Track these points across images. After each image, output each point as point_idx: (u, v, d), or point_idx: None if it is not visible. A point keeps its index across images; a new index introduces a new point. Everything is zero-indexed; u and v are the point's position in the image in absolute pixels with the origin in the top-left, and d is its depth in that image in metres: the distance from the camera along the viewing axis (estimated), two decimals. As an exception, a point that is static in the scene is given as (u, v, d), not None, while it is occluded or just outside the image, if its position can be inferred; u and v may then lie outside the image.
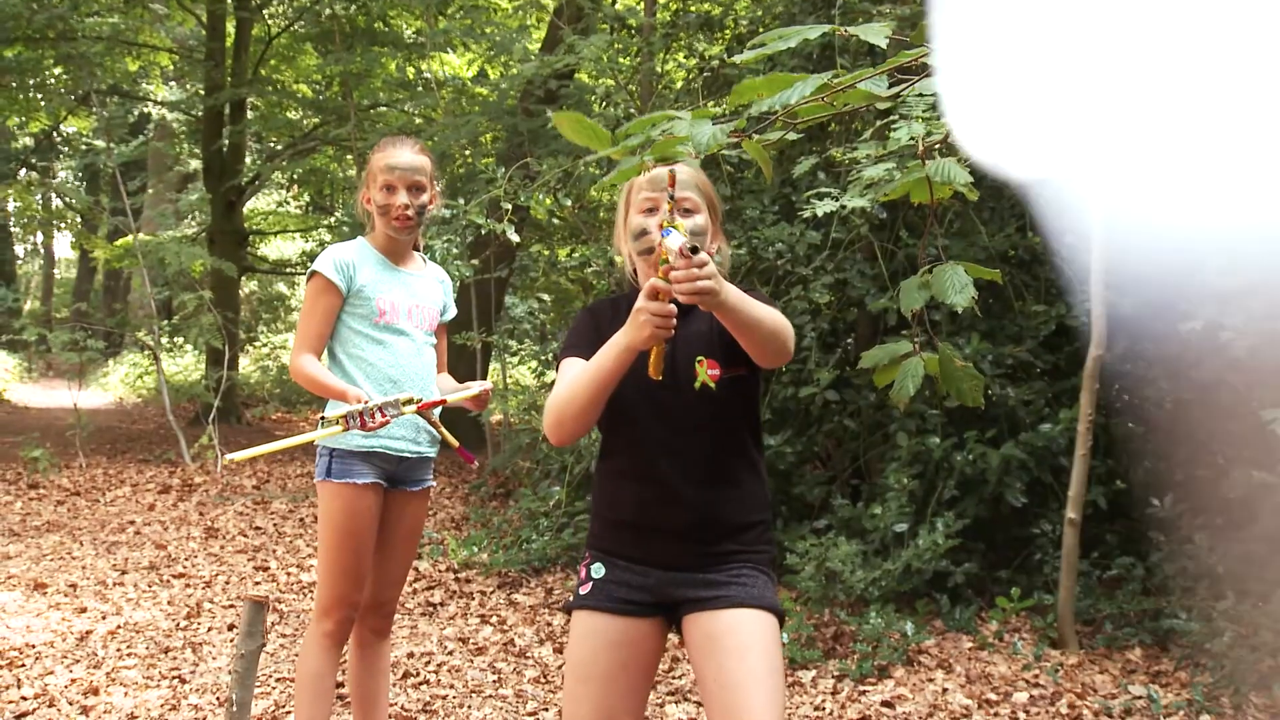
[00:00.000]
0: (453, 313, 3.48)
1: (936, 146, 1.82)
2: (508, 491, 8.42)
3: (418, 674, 4.57)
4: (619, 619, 2.34)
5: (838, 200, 4.88)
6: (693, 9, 8.01)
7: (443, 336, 3.44)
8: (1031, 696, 4.38)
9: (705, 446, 2.33)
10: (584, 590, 2.41)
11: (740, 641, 2.26)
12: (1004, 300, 5.87)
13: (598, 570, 2.41)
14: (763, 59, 6.58)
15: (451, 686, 4.45)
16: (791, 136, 1.51)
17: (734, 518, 2.35)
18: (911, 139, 2.13)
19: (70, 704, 4.13)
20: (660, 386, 2.25)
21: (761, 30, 7.27)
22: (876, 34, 1.31)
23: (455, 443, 3.28)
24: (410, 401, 3.07)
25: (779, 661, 2.28)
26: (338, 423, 2.94)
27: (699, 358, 2.31)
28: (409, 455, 3.25)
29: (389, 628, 3.42)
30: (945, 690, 4.44)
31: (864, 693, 4.41)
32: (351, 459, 3.15)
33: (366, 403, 2.98)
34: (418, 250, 3.42)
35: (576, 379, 2.26)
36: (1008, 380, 5.61)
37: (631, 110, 7.32)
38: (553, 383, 3.10)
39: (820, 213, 4.80)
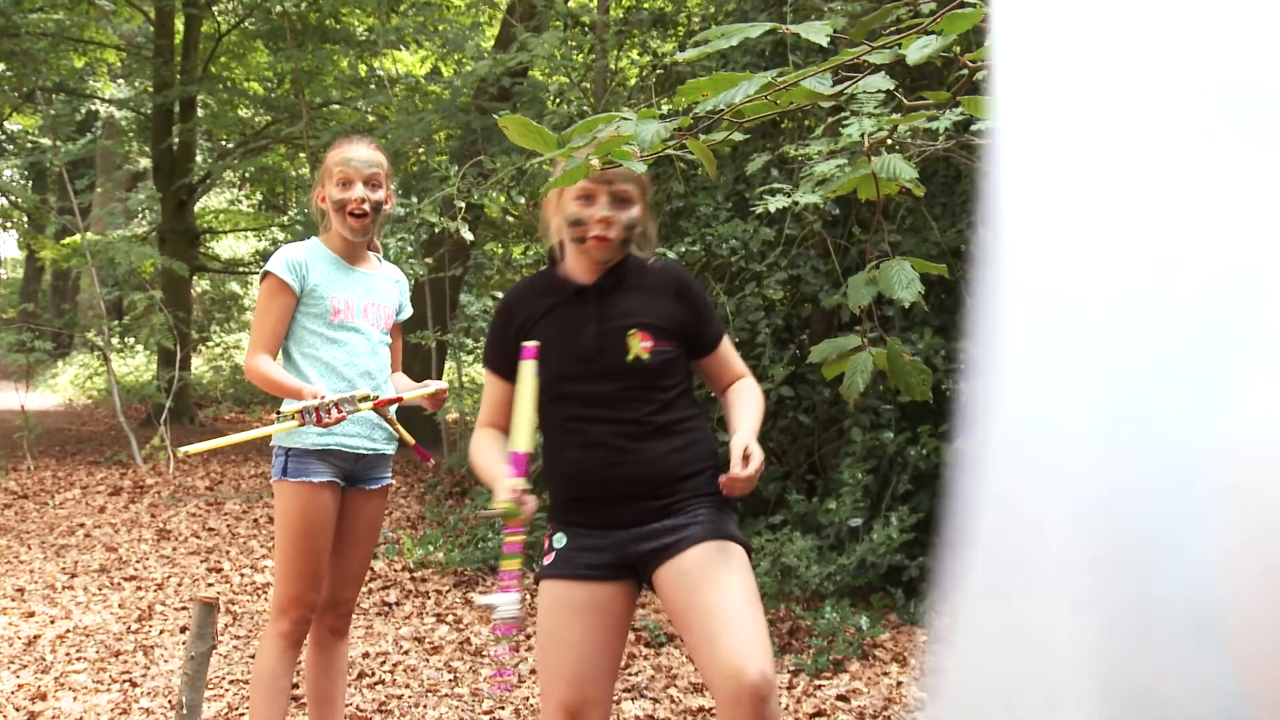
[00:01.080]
0: (408, 312, 3.46)
1: (884, 142, 1.83)
2: (464, 490, 8.39)
3: (373, 674, 4.55)
4: (584, 584, 2.39)
5: (790, 196, 4.90)
6: (645, 6, 8.01)
7: (398, 336, 3.43)
8: (984, 688, 4.41)
9: (641, 409, 2.40)
10: (547, 560, 2.47)
11: (712, 572, 2.32)
12: (957, 295, 5.91)
13: (559, 540, 2.47)
14: (715, 57, 6.60)
15: (407, 686, 4.43)
16: (737, 136, 1.51)
17: (679, 469, 2.43)
18: (862, 134, 2.14)
19: (17, 710, 4.08)
20: (592, 360, 2.40)
21: (714, 26, 7.27)
22: (818, 32, 1.31)
23: (411, 440, 3.27)
24: (366, 399, 3.07)
25: (754, 585, 2.36)
26: (293, 418, 2.93)
27: (631, 330, 2.40)
28: (366, 453, 3.23)
29: (347, 627, 3.39)
30: (900, 683, 4.47)
31: (820, 687, 4.43)
32: (307, 458, 3.13)
33: (322, 399, 2.97)
34: (373, 250, 3.40)
35: (474, 457, 2.54)
36: (961, 375, 5.65)
37: (585, 108, 7.31)
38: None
39: (773, 209, 4.81)
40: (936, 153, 4.89)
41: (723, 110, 1.43)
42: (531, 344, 2.45)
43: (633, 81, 8.31)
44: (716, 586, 2.29)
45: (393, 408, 3.18)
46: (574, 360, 2.41)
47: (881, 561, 5.13)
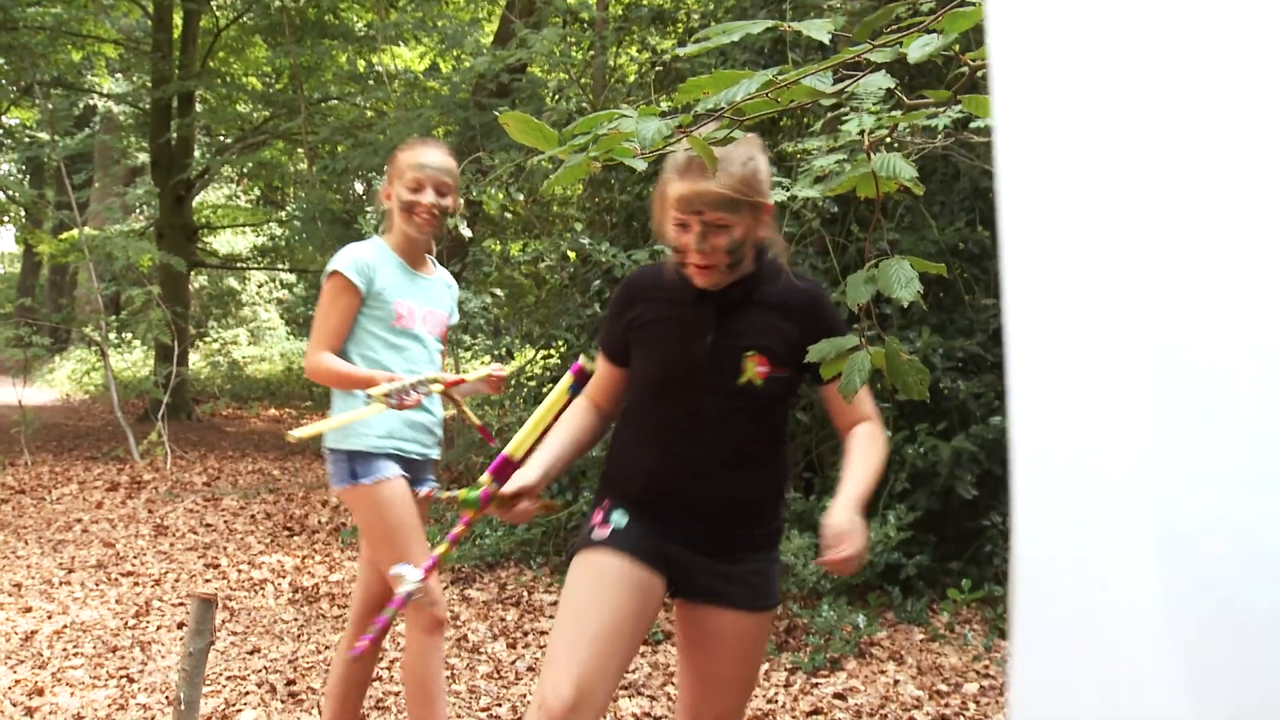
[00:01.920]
0: (456, 318, 3.47)
1: (884, 140, 1.83)
2: (461, 486, 8.38)
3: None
4: (637, 565, 2.30)
5: (788, 190, 4.89)
6: (644, 3, 7.99)
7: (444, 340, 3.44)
8: (981, 687, 4.42)
9: (738, 435, 2.33)
10: (603, 532, 2.37)
11: (734, 650, 2.37)
12: (954, 294, 5.91)
13: (619, 517, 2.39)
14: (714, 54, 6.59)
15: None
16: (738, 134, 1.51)
17: (752, 512, 2.38)
18: (861, 131, 2.14)
19: (14, 705, 4.07)
20: (702, 371, 2.30)
21: (713, 23, 7.28)
22: (820, 29, 1.31)
23: (478, 422, 3.27)
24: (436, 380, 3.07)
25: (761, 659, 2.46)
26: (381, 400, 2.93)
27: (748, 352, 2.30)
28: (417, 457, 3.26)
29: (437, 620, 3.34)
30: (897, 682, 4.47)
31: (816, 685, 4.43)
32: (372, 458, 3.14)
33: (402, 380, 2.97)
34: (430, 254, 3.40)
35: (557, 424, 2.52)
36: (958, 373, 5.65)
37: (584, 104, 7.30)
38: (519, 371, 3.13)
39: (770, 202, 4.80)
40: (935, 150, 4.88)
41: (722, 109, 1.43)
42: (578, 363, 2.53)
43: (632, 78, 8.31)
44: (731, 661, 2.38)
45: (459, 392, 3.20)
46: (683, 367, 2.33)
47: (879, 560, 5.13)
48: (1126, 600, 0.77)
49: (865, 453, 2.35)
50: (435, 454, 3.34)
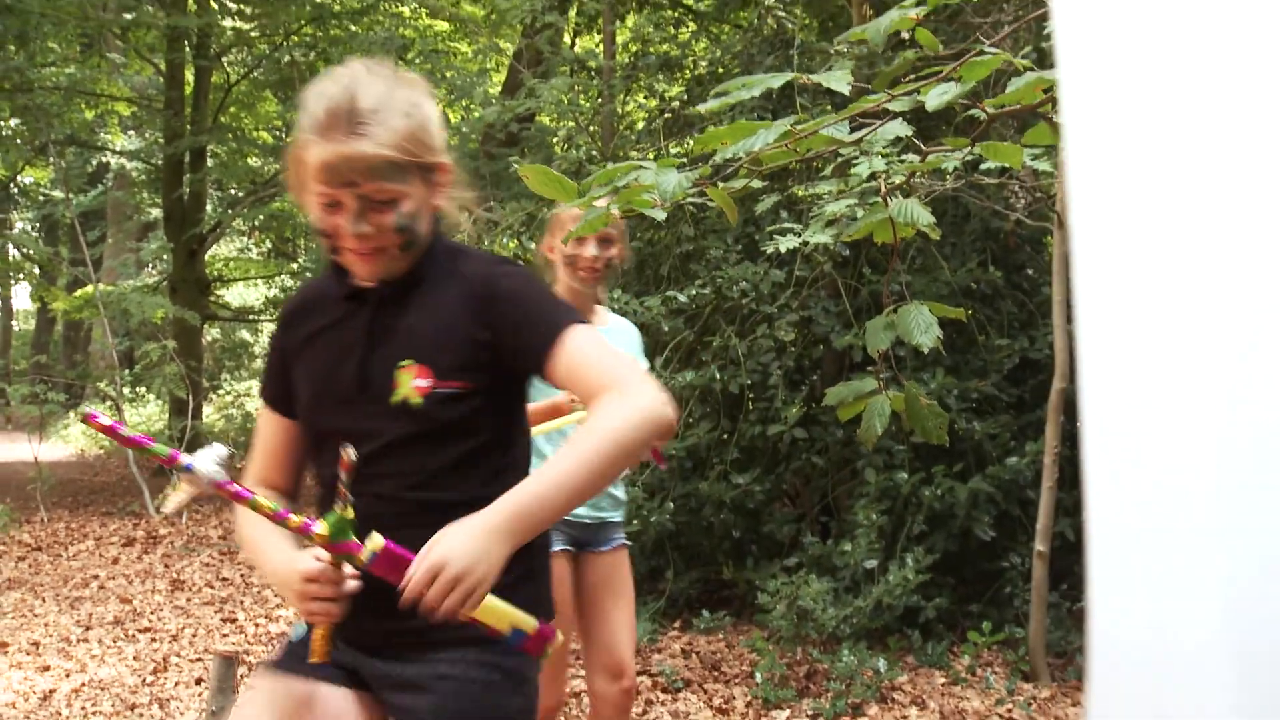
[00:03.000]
0: (645, 364, 3.31)
1: (899, 187, 1.84)
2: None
3: None
4: (306, 681, 1.75)
5: (800, 236, 4.91)
6: (652, 50, 8.06)
7: None
8: (1006, 730, 4.38)
9: (409, 478, 1.71)
10: (280, 651, 1.88)
11: None
12: (967, 335, 5.91)
13: (300, 625, 1.82)
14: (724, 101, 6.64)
15: None
16: (756, 184, 1.52)
17: None
18: (873, 174, 2.15)
19: (35, 765, 4.06)
20: (350, 402, 1.74)
21: (720, 70, 7.33)
22: (839, 81, 1.32)
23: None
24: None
25: None
26: None
27: (403, 363, 1.71)
28: (590, 521, 3.15)
29: (632, 692, 3.22)
30: (920, 726, 4.44)
31: (839, 731, 4.40)
32: None
33: None
34: (600, 304, 3.29)
35: (242, 538, 1.87)
36: (973, 414, 5.64)
37: (593, 152, 7.35)
38: None
39: (783, 249, 4.82)
40: (945, 192, 4.91)
41: (740, 159, 1.44)
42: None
43: (640, 125, 8.36)
44: None
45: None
46: (331, 395, 1.76)
47: (898, 603, 5.10)
48: (1199, 671, 0.76)
49: (565, 451, 1.60)
50: (616, 516, 3.20)
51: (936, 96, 1.37)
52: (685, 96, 7.47)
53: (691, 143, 7.01)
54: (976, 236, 6.01)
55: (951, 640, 5.35)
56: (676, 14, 8.54)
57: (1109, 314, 0.83)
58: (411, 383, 1.69)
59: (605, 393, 1.60)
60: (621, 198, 1.36)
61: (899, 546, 5.35)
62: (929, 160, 1.76)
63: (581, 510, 3.07)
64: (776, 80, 1.36)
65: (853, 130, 1.57)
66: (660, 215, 1.36)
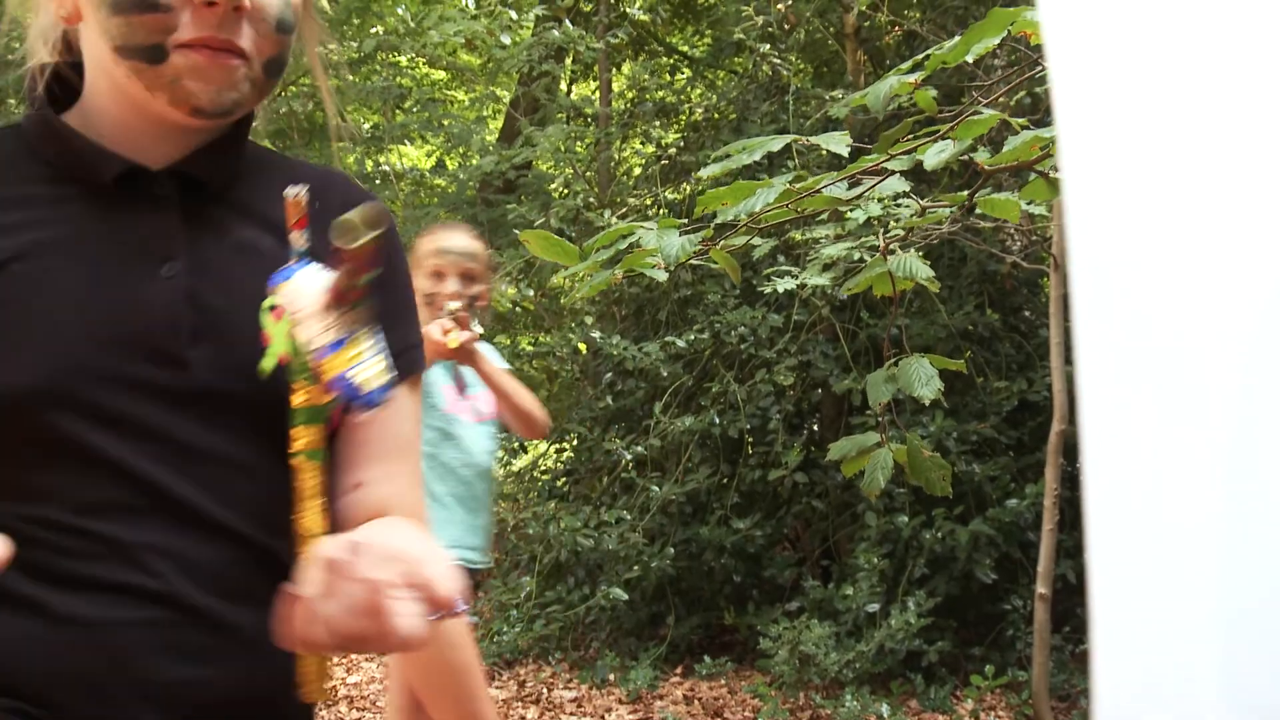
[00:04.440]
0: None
1: (898, 240, 1.86)
2: (477, 583, 8.34)
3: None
4: None
5: (797, 279, 4.93)
6: (648, 97, 8.12)
7: None
8: (1011, 776, 4.36)
9: (228, 507, 1.04)
10: None
11: None
12: (966, 377, 5.92)
13: None
14: (718, 147, 6.68)
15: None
16: (757, 241, 1.54)
17: (284, 673, 1.03)
18: (869, 219, 2.17)
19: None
20: (161, 354, 1.01)
21: (717, 116, 7.40)
22: (838, 142, 1.35)
23: None
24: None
25: None
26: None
27: (269, 305, 1.02)
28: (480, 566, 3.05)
29: None
30: (925, 773, 4.42)
31: (843, 778, 4.37)
32: None
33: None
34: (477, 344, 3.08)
35: None
36: (973, 457, 5.64)
37: (590, 199, 7.39)
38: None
39: (781, 290, 4.84)
40: (942, 236, 4.94)
41: (741, 220, 1.46)
42: None
43: (637, 171, 8.41)
44: None
45: None
46: (94, 370, 0.99)
47: (900, 647, 5.08)
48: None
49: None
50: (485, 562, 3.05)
51: (934, 155, 1.39)
52: (682, 143, 7.53)
53: (688, 189, 7.07)
54: (973, 279, 6.04)
55: (955, 684, 5.33)
56: (672, 61, 8.62)
57: (1108, 356, 0.84)
58: (284, 337, 0.99)
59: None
60: (625, 262, 1.38)
61: (900, 590, 5.34)
62: (926, 216, 1.78)
63: (475, 554, 2.95)
64: (776, 143, 1.38)
65: (851, 186, 1.59)
66: (662, 276, 1.38)
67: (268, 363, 0.99)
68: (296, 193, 1.04)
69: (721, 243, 1.49)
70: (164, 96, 1.01)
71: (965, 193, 1.66)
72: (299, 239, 1.03)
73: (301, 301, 0.97)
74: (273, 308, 1.00)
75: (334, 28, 11.28)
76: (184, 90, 1.01)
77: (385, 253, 1.00)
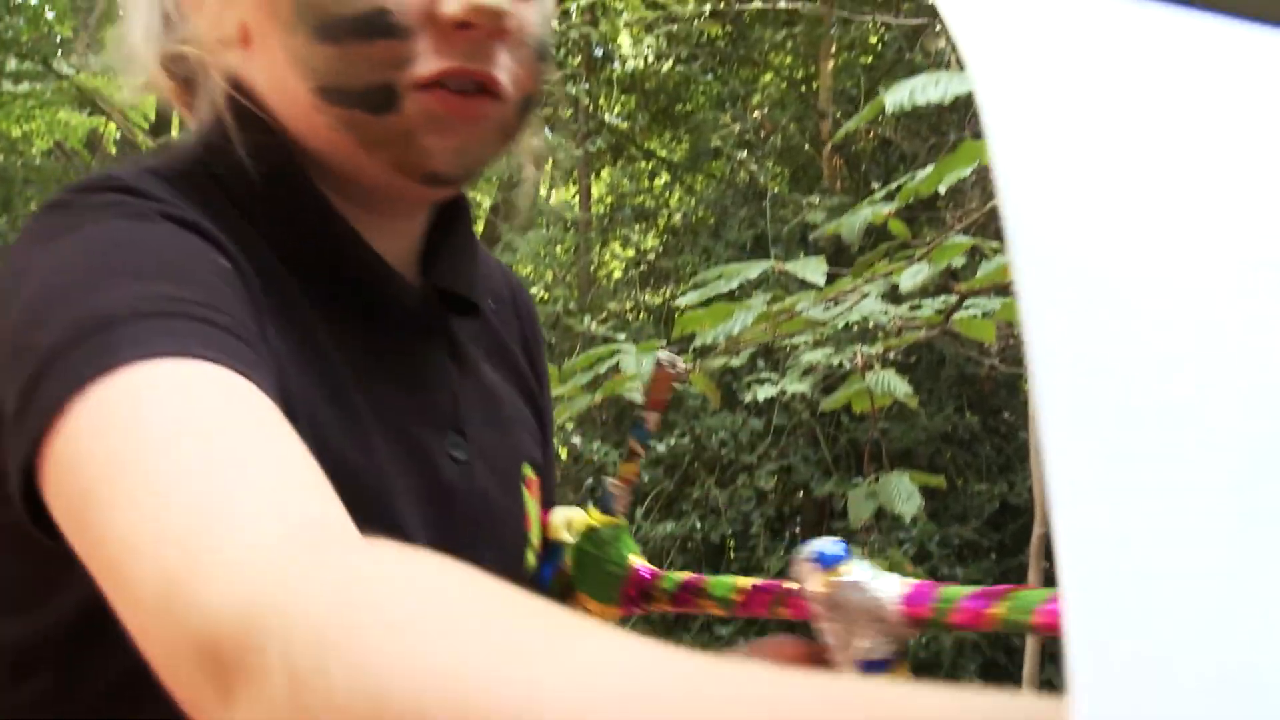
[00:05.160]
0: None
1: (876, 359, 1.88)
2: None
3: None
4: None
5: (777, 385, 4.95)
6: (627, 202, 8.21)
7: None
8: None
9: None
10: None
11: None
12: (947, 480, 5.93)
13: None
14: (696, 248, 6.75)
15: None
16: (735, 362, 1.55)
17: None
18: (846, 325, 2.18)
19: None
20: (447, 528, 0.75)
21: (696, 219, 7.48)
22: (814, 270, 1.36)
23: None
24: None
25: None
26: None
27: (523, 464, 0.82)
28: None
29: None
30: None
31: None
32: None
33: None
34: None
35: None
36: (955, 560, 5.62)
37: (570, 304, 7.44)
38: None
39: (761, 397, 4.86)
40: (920, 340, 4.97)
41: (719, 344, 1.47)
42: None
43: (617, 275, 8.48)
44: None
45: None
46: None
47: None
48: None
49: None
50: None
51: (909, 278, 1.41)
52: (661, 247, 7.60)
53: (667, 292, 7.11)
54: (952, 382, 6.07)
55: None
56: (651, 166, 8.73)
57: (1078, 463, 0.83)
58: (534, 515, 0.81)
59: None
60: (605, 388, 1.39)
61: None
62: (905, 337, 1.80)
63: None
64: (753, 269, 1.40)
65: (829, 308, 1.60)
66: (639, 398, 1.38)
67: (531, 558, 0.77)
68: (669, 360, 0.77)
69: (699, 365, 1.50)
70: (385, 157, 0.68)
71: (941, 310, 1.68)
72: (654, 421, 0.78)
73: None
74: (525, 479, 0.77)
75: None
76: (418, 149, 0.67)
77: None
